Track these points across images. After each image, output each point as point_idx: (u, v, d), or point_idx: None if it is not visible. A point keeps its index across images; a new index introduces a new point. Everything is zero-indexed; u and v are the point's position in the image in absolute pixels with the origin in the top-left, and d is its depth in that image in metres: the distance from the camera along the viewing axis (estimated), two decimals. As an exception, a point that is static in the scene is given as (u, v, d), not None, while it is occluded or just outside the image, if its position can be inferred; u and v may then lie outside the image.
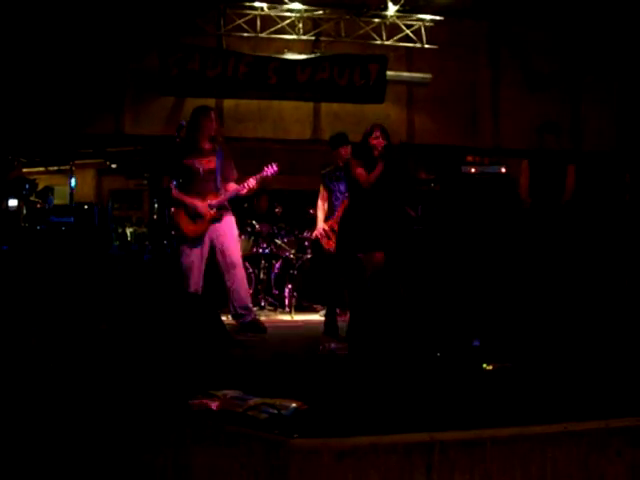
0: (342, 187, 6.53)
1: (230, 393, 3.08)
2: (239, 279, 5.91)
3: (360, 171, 5.85)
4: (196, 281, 5.81)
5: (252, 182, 5.82)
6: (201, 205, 5.80)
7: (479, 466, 2.73)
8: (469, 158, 10.67)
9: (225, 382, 3.38)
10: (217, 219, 5.84)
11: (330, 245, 6.93)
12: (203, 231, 5.81)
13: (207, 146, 5.91)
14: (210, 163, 5.88)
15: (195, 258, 5.82)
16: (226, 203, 5.96)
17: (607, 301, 4.97)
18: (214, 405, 2.94)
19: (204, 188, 5.85)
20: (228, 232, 5.92)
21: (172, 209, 5.89)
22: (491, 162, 9.81)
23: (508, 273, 6.92)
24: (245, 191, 5.88)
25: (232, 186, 5.89)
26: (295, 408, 2.84)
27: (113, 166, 12.87)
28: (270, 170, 5.80)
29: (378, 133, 5.82)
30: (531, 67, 10.72)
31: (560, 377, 3.84)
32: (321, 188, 7.19)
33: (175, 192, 5.82)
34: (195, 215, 5.81)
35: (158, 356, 4.14)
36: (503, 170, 9.21)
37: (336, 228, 6.79)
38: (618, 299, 5.85)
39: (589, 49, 10.54)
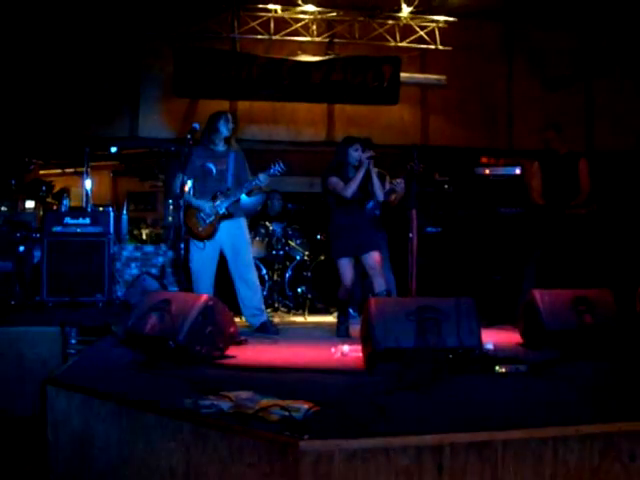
0: None
1: (241, 394, 3.09)
2: (251, 281, 5.93)
3: (333, 181, 5.87)
4: (207, 282, 5.83)
5: (262, 180, 5.82)
6: (209, 206, 5.83)
7: (490, 468, 2.73)
8: (483, 159, 10.65)
9: (236, 383, 3.40)
10: (227, 220, 5.86)
11: None
12: (213, 233, 5.83)
13: (222, 148, 5.96)
14: (223, 164, 5.92)
15: (206, 260, 5.85)
16: (239, 204, 5.97)
17: (622, 303, 4.94)
18: (226, 406, 2.95)
19: (216, 188, 5.88)
20: (239, 234, 5.94)
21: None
22: (506, 163, 9.77)
23: (522, 273, 6.90)
24: (253, 190, 5.89)
25: (242, 187, 5.90)
26: (306, 409, 2.85)
27: (123, 165, 12.95)
28: (276, 169, 5.79)
29: (357, 145, 5.87)
30: (545, 68, 10.68)
31: (573, 379, 3.83)
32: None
33: (187, 194, 5.85)
34: (205, 216, 5.84)
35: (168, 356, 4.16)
36: (518, 171, 9.17)
37: None
38: (633, 301, 5.82)
39: (603, 49, 10.49)
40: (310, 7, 9.75)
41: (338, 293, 6.00)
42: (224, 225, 5.86)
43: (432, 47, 10.13)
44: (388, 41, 10.07)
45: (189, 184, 5.85)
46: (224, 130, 5.92)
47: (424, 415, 3.01)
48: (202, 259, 5.84)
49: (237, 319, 5.97)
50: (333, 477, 2.57)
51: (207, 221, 5.84)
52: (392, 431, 2.71)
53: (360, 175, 5.78)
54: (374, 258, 5.78)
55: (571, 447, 2.81)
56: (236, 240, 5.91)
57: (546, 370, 4.01)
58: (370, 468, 2.61)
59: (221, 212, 5.83)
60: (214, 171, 5.90)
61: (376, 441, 2.64)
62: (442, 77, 10.29)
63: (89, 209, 8.80)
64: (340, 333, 5.81)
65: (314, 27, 9.97)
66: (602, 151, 10.32)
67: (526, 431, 2.79)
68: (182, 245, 5.78)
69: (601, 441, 2.84)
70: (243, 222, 6.02)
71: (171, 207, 9.68)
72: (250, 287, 5.93)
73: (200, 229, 5.84)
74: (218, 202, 5.83)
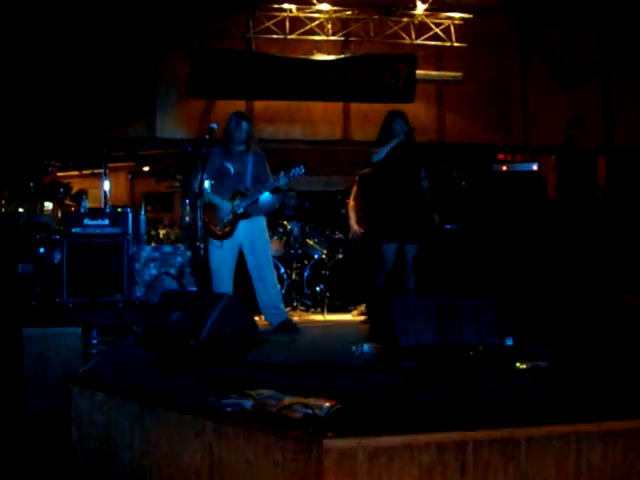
0: None
1: (264, 392, 3.11)
2: (269, 280, 5.93)
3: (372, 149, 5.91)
4: (227, 282, 5.84)
5: (282, 181, 5.83)
6: (227, 206, 5.84)
7: (513, 465, 2.73)
8: (500, 156, 10.61)
9: (258, 382, 3.41)
10: (245, 219, 5.86)
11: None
12: (231, 232, 5.84)
13: (240, 149, 5.95)
14: (242, 164, 5.93)
15: (225, 259, 5.85)
16: (258, 204, 5.98)
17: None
18: (248, 404, 2.97)
19: (234, 188, 5.89)
20: (258, 233, 5.94)
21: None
22: (523, 160, 9.74)
23: (541, 270, 6.87)
24: (282, 183, 5.88)
25: (262, 187, 5.90)
26: (329, 407, 2.86)
27: (145, 169, 13.03)
28: (297, 171, 5.78)
29: (398, 119, 5.89)
30: (561, 63, 10.63)
31: (596, 375, 3.81)
32: (355, 188, 7.25)
33: (208, 193, 5.87)
34: (224, 215, 5.85)
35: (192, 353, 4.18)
36: (535, 168, 9.15)
37: None
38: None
39: (620, 44, 10.42)
40: (325, 6, 9.77)
41: (377, 282, 5.96)
42: (243, 224, 5.87)
43: (448, 44, 10.12)
44: (403, 39, 10.07)
45: (207, 184, 5.86)
46: (237, 130, 5.89)
47: (446, 412, 3.01)
48: (221, 258, 5.85)
49: (257, 318, 5.99)
50: (357, 474, 2.58)
51: (225, 220, 5.85)
52: (415, 428, 2.71)
53: (391, 144, 5.81)
54: (412, 254, 5.82)
55: (594, 443, 2.80)
56: (255, 239, 5.91)
57: (568, 366, 4.00)
58: (393, 465, 2.62)
59: (239, 212, 5.85)
60: (232, 171, 5.90)
61: (399, 438, 2.64)
62: (458, 74, 10.27)
63: (107, 210, 8.85)
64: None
65: (329, 26, 9.99)
66: (620, 147, 10.27)
67: (549, 427, 2.78)
68: (201, 245, 5.79)
69: (624, 437, 2.83)
70: (262, 221, 6.02)
71: (188, 207, 9.72)
72: (268, 286, 5.93)
73: (218, 228, 5.86)
74: (237, 202, 5.84)
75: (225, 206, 5.85)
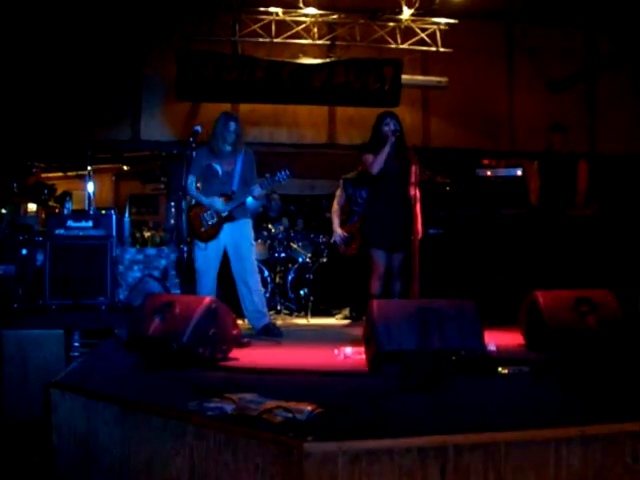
0: (364, 193, 6.52)
1: (245, 396, 3.10)
2: (253, 283, 5.92)
3: (367, 157, 5.85)
4: (210, 284, 5.83)
5: (264, 187, 5.83)
6: (220, 202, 5.82)
7: (493, 469, 2.73)
8: (485, 161, 10.66)
9: (240, 385, 3.40)
10: (230, 221, 5.86)
11: (351, 251, 6.96)
12: (216, 234, 5.83)
13: (228, 149, 5.94)
14: (229, 166, 5.92)
15: (209, 261, 5.84)
16: (243, 206, 5.97)
17: (624, 305, 4.93)
18: (229, 408, 2.96)
19: (221, 190, 5.88)
20: (243, 236, 5.93)
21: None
22: (507, 165, 9.77)
23: (525, 275, 6.90)
24: (256, 194, 5.87)
25: (246, 192, 5.88)
26: (310, 411, 2.86)
27: (130, 171, 12.99)
28: (282, 176, 5.77)
29: (388, 120, 5.85)
30: (547, 69, 10.68)
31: (575, 380, 3.83)
32: (339, 192, 7.27)
33: (194, 193, 5.88)
34: (208, 217, 5.84)
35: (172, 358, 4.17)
36: (519, 173, 9.19)
37: (355, 233, 6.84)
38: (635, 302, 5.82)
39: (605, 50, 10.50)
40: (311, 10, 9.76)
41: (371, 287, 5.92)
42: (228, 227, 5.86)
43: (433, 49, 10.12)
44: (389, 43, 10.07)
45: (192, 186, 5.87)
46: (225, 130, 5.88)
47: (427, 416, 3.02)
48: (205, 260, 5.84)
49: (240, 321, 5.97)
50: (337, 478, 2.57)
51: (209, 222, 5.85)
52: (396, 432, 2.71)
53: (385, 150, 5.73)
54: (400, 260, 5.79)
55: (574, 448, 2.81)
56: (239, 242, 5.90)
57: (549, 371, 4.02)
58: (374, 469, 2.62)
59: (224, 215, 5.84)
60: (220, 172, 5.90)
61: (380, 442, 2.64)
62: (443, 79, 10.28)
63: (91, 212, 8.82)
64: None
65: (315, 30, 9.98)
66: (604, 153, 10.33)
67: (529, 432, 2.79)
68: (185, 247, 5.78)
69: (604, 442, 2.84)
70: (247, 224, 6.00)
71: (173, 209, 9.71)
72: (252, 290, 5.92)
73: (203, 230, 5.85)
74: (222, 204, 5.84)
75: (218, 203, 5.81)
